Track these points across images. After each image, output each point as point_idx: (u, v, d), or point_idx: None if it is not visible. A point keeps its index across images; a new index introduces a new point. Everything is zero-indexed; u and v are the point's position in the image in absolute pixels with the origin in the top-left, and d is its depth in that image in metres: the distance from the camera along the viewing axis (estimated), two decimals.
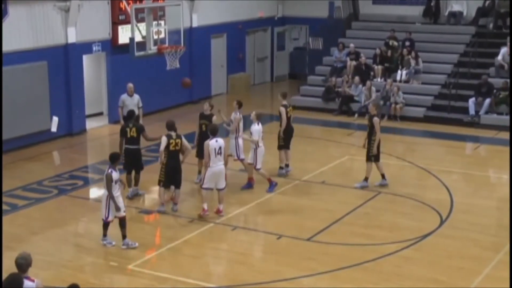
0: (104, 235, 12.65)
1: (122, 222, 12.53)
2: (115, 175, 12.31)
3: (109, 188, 12.23)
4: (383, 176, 15.88)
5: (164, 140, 13.90)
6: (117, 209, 12.34)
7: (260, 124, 15.32)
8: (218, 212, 13.97)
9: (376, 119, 15.51)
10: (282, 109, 16.14)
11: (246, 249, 12.69)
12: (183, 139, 14.07)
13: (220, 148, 13.58)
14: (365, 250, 12.55)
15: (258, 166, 15.33)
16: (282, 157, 16.46)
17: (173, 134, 13.93)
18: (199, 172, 15.93)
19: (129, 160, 15.05)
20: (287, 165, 16.57)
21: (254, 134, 15.17)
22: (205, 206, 13.83)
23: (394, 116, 22.48)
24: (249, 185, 15.68)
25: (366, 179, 15.82)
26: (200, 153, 15.53)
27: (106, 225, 12.61)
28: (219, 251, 12.63)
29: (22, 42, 18.90)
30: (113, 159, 12.44)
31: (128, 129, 14.93)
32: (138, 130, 14.90)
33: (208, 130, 14.29)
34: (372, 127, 15.54)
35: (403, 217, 14.22)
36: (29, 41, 19.15)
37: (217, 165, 13.60)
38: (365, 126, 21.86)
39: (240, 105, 15.67)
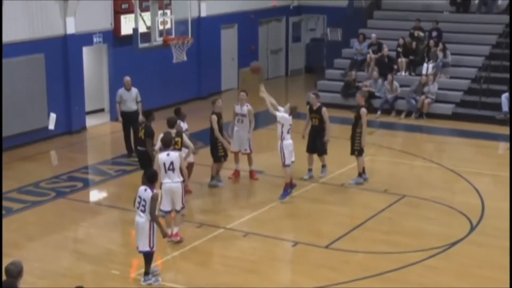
0: (147, 273, 11.49)
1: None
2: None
3: (153, 209, 11.22)
4: (360, 174, 16.19)
5: (160, 138, 13.88)
6: (164, 235, 11.56)
7: (290, 117, 15.08)
8: (172, 236, 12.89)
9: (363, 110, 15.80)
10: (325, 111, 16.09)
11: (258, 257, 12.68)
12: (184, 137, 14.02)
13: (171, 163, 12.61)
14: (388, 258, 12.52)
15: (287, 162, 15.03)
16: (311, 159, 16.52)
17: (172, 132, 13.92)
18: (212, 178, 16.06)
19: (139, 161, 15.28)
20: (311, 169, 16.59)
21: (279, 116, 14.89)
22: (169, 230, 12.87)
23: (420, 113, 22.44)
24: (292, 186, 15.47)
25: (359, 174, 16.16)
26: (225, 157, 15.90)
27: (150, 257, 11.51)
28: (229, 259, 12.64)
29: (17, 33, 18.99)
30: (152, 179, 11.40)
31: (140, 128, 15.09)
32: (146, 134, 14.86)
33: (161, 141, 13.29)
34: (359, 119, 15.81)
35: (429, 223, 14.17)
36: (24, 32, 19.24)
37: (167, 182, 12.71)
38: (388, 124, 22.14)
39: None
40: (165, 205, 12.87)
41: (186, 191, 14.73)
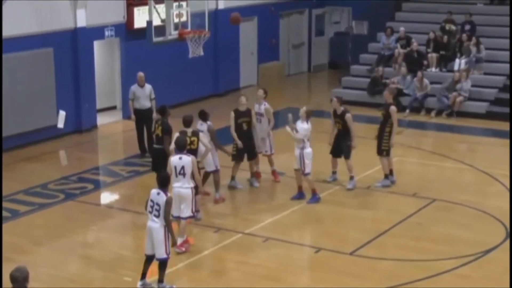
0: (161, 280, 11.43)
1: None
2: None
3: (168, 214, 11.18)
4: (391, 171, 16.27)
5: (175, 137, 13.82)
6: (174, 243, 11.55)
7: (309, 123, 15.02)
8: (176, 246, 12.33)
9: (393, 108, 15.87)
10: (349, 117, 15.90)
11: (279, 264, 12.65)
12: (201, 137, 14.05)
13: (182, 167, 12.56)
14: (416, 266, 12.46)
15: (307, 171, 15.05)
16: (335, 163, 16.49)
17: (188, 131, 13.92)
18: (233, 178, 16.04)
19: (154, 161, 15.25)
20: (335, 172, 16.55)
21: (300, 132, 14.85)
22: (179, 239, 12.66)
23: (451, 111, 22.31)
24: (301, 195, 15.48)
25: (386, 176, 16.13)
26: (237, 157, 15.83)
27: (165, 264, 11.46)
28: (247, 265, 12.61)
29: (24, 26, 19.06)
30: (164, 182, 11.35)
31: (156, 125, 15.11)
32: (163, 130, 14.90)
33: (174, 143, 13.21)
34: (388, 117, 15.83)
35: (461, 229, 14.09)
36: (32, 25, 19.31)
37: (176, 186, 12.65)
38: (417, 123, 22.02)
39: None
40: (174, 210, 12.63)
41: (205, 194, 15.00)
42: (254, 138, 15.97)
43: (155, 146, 15.27)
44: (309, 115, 15.11)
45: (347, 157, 16.07)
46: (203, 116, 15.15)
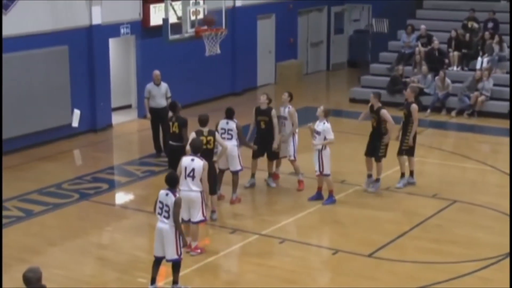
0: (175, 282, 11.44)
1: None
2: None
3: (177, 215, 11.17)
4: (411, 173, 16.21)
5: (192, 136, 13.84)
6: (185, 244, 11.55)
7: (328, 122, 14.99)
8: (190, 248, 12.75)
9: (414, 106, 15.92)
10: (385, 112, 15.71)
11: (295, 266, 12.65)
12: (217, 136, 14.10)
13: (193, 170, 12.44)
14: (437, 269, 12.42)
15: (327, 171, 15.03)
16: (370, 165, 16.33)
17: (204, 130, 13.94)
18: (252, 176, 16.12)
19: (171, 159, 15.26)
20: (370, 175, 16.41)
21: (327, 133, 14.76)
22: (191, 242, 12.77)
23: (472, 111, 22.23)
24: (318, 195, 15.46)
25: (403, 174, 16.15)
26: (256, 154, 15.91)
27: (178, 265, 11.46)
28: (264, 267, 12.61)
29: (39, 23, 19.15)
30: (172, 182, 11.34)
31: (171, 123, 15.20)
32: (180, 125, 15.00)
33: (190, 145, 13.01)
34: (409, 116, 15.88)
35: (483, 231, 14.05)
36: (47, 22, 19.39)
37: (184, 189, 12.41)
38: (438, 123, 21.94)
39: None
40: (183, 213, 12.50)
41: (220, 197, 15.13)
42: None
43: (171, 143, 15.34)
44: (327, 114, 15.08)
45: (378, 160, 15.86)
46: (230, 114, 15.17)
